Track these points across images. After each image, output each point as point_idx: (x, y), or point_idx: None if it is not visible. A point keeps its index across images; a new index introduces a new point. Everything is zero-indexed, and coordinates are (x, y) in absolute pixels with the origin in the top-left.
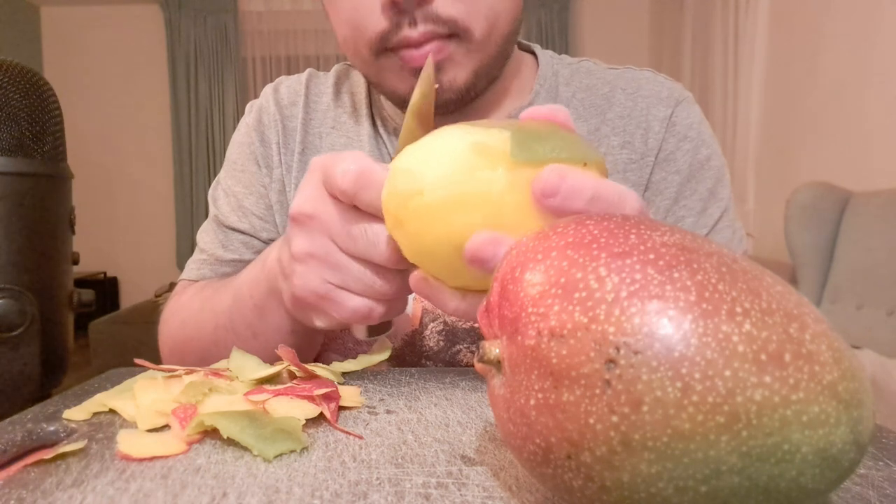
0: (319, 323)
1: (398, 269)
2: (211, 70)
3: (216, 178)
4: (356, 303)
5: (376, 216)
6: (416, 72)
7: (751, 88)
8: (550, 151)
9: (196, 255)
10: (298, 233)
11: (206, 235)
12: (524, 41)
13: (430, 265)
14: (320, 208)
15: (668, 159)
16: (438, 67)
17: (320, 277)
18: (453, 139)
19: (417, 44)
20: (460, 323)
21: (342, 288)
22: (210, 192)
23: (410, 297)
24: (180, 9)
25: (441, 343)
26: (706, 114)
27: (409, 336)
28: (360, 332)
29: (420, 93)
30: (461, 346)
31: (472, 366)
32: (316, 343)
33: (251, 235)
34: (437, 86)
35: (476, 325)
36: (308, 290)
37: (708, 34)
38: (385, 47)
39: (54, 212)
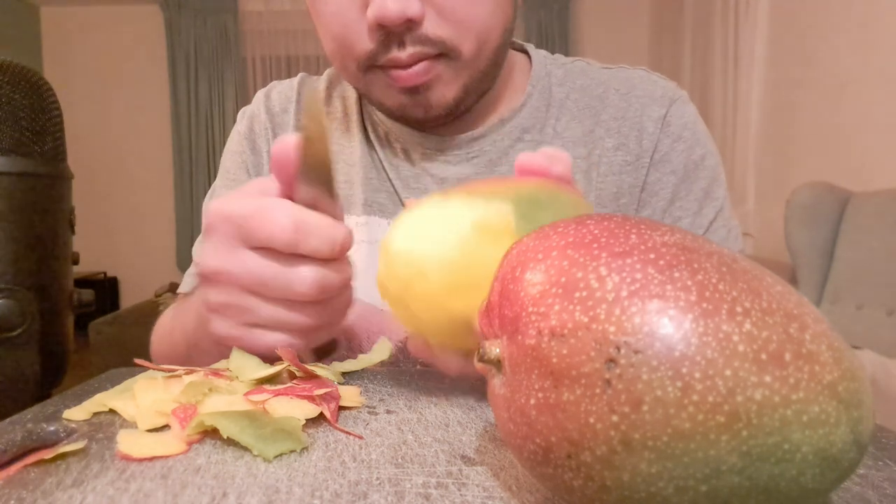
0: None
1: (317, 301)
2: (211, 70)
3: (212, 187)
4: (271, 339)
5: (298, 257)
6: (405, 90)
7: (751, 88)
8: (553, 219)
9: (191, 269)
10: (210, 288)
11: (199, 247)
12: (518, 41)
13: (434, 337)
14: (229, 263)
15: (664, 160)
16: (427, 87)
17: (234, 322)
18: (454, 216)
19: (406, 65)
20: None
21: (257, 326)
22: (206, 201)
23: None
24: (180, 9)
25: None
26: (706, 114)
27: (402, 343)
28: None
29: (307, 122)
30: None
31: None
32: None
33: None
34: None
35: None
36: (224, 334)
37: (708, 34)
38: (373, 65)
39: (54, 212)
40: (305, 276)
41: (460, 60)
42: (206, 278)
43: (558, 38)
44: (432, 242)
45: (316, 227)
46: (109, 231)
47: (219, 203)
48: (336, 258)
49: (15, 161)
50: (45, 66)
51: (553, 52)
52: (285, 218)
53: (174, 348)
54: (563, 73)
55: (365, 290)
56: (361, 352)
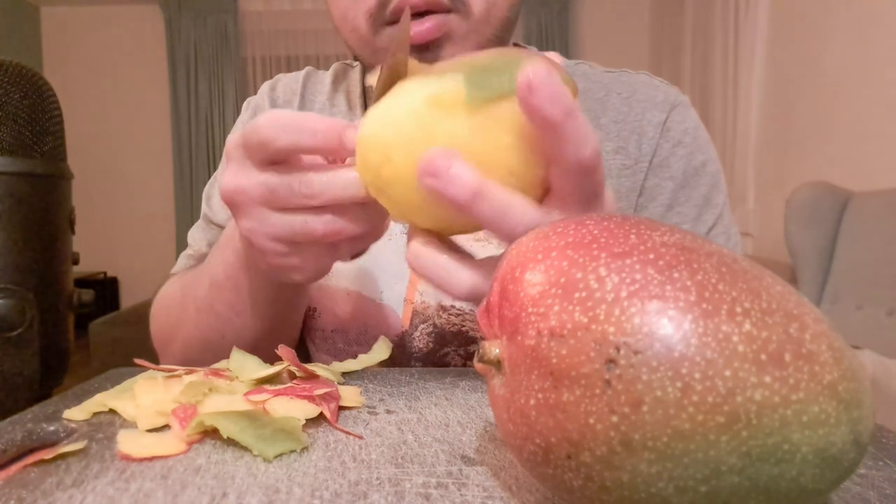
0: (298, 278)
1: (352, 203)
2: (211, 70)
3: (213, 175)
4: (314, 252)
5: (298, 162)
6: (416, 48)
7: (751, 88)
8: (508, 83)
9: (186, 251)
10: (236, 213)
11: (196, 232)
12: (520, 43)
13: (417, 218)
14: (241, 180)
15: (662, 165)
16: (438, 45)
17: (273, 241)
18: (409, 96)
19: (416, 9)
20: (448, 326)
21: (297, 242)
22: (206, 189)
23: (401, 300)
24: (180, 9)
25: (430, 345)
26: (706, 114)
27: (398, 337)
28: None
29: (393, 58)
30: (449, 349)
31: (460, 368)
32: (298, 315)
33: None
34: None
35: (464, 328)
36: (274, 255)
37: (708, 34)
38: (383, 19)
39: (54, 212)
40: (310, 179)
41: (470, 19)
42: (228, 203)
43: (558, 38)
44: (391, 125)
45: (304, 122)
46: (109, 231)
47: (234, 134)
48: (336, 152)
49: (15, 161)
50: (45, 66)
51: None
52: (263, 118)
53: (182, 320)
54: None
55: (369, 276)
56: (357, 343)
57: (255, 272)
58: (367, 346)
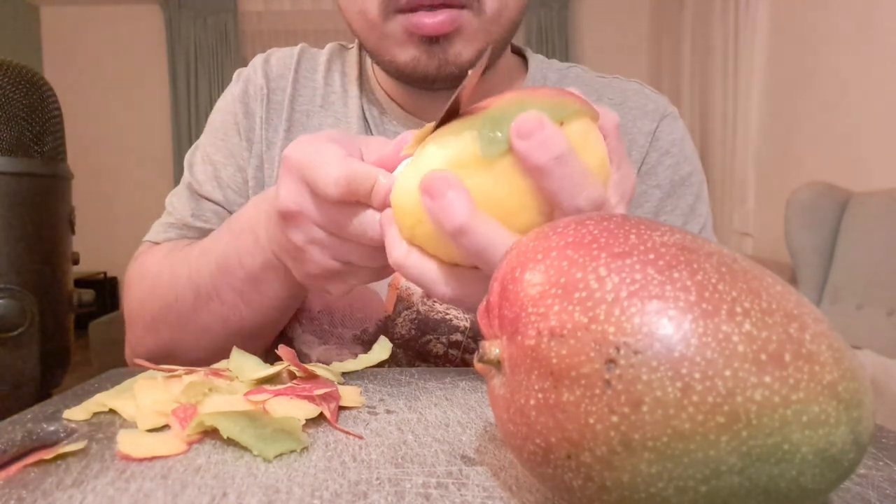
0: (335, 291)
1: None
2: (211, 70)
3: (195, 143)
4: (355, 280)
5: (365, 205)
6: (424, 41)
7: (751, 88)
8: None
9: (164, 218)
10: (291, 227)
11: (177, 200)
12: (515, 44)
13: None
14: (304, 205)
15: (650, 173)
16: (447, 39)
17: (328, 258)
18: (433, 160)
19: (430, 4)
20: (432, 314)
21: (343, 264)
22: (188, 156)
23: (385, 284)
24: (180, 9)
25: (412, 331)
26: (706, 115)
27: (381, 321)
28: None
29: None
30: (431, 337)
31: (441, 356)
32: (298, 305)
33: (224, 207)
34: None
35: (448, 316)
36: (322, 270)
37: (708, 34)
38: (396, 6)
39: (54, 212)
40: (368, 222)
41: (483, 16)
42: (283, 217)
43: (558, 38)
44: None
45: (365, 179)
46: (109, 231)
47: (291, 145)
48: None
49: (15, 161)
50: (45, 66)
51: (552, 52)
52: (338, 170)
53: (177, 299)
54: (559, 78)
55: None
56: (342, 325)
57: (280, 272)
58: (351, 329)
